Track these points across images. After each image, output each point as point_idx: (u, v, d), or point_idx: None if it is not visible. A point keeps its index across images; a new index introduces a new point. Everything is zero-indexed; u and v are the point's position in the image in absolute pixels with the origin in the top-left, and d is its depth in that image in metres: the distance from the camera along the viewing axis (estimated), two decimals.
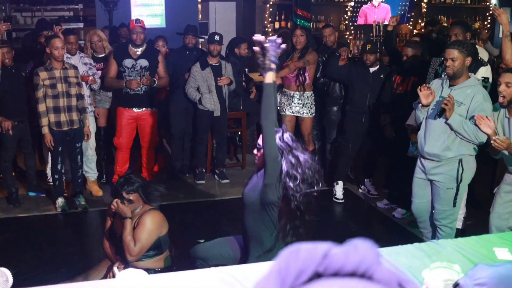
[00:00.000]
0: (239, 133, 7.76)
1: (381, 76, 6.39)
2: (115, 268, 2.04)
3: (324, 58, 6.85)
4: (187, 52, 7.12)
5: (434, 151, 4.55)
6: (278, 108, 6.78)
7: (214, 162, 7.41)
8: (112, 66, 6.33)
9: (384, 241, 5.60)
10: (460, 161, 4.51)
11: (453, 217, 4.71)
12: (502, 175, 4.75)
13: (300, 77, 6.57)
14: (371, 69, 6.37)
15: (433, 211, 4.78)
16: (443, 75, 5.22)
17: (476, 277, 1.47)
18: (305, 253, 0.76)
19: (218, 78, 6.76)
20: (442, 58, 5.58)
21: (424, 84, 4.68)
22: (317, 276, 0.75)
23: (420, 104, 4.59)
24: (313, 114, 6.79)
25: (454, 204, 4.63)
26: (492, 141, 4.11)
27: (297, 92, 6.64)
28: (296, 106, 6.68)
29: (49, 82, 5.75)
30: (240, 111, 7.49)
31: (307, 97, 6.69)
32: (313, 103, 6.75)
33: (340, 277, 0.75)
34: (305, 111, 6.69)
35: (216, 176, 7.27)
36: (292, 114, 6.72)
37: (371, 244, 0.80)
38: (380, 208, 6.44)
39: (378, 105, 6.37)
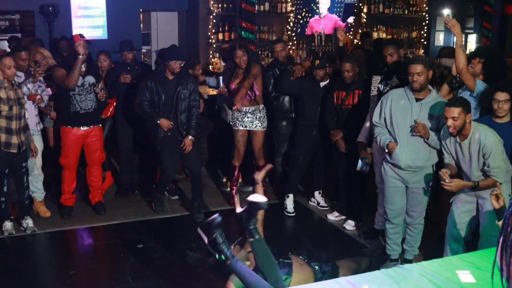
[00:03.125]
0: None
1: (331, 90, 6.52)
2: None
3: (273, 72, 6.92)
4: (129, 68, 7.01)
5: (418, 163, 4.90)
6: (231, 123, 6.79)
7: None
8: (61, 71, 6.12)
9: (337, 253, 5.71)
10: (433, 165, 4.95)
11: (423, 215, 5.16)
12: None
13: (250, 93, 6.60)
14: (321, 84, 6.48)
15: (408, 214, 5.17)
16: (384, 91, 5.47)
17: None
18: None
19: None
20: (382, 76, 5.79)
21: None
22: None
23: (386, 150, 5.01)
24: (265, 128, 6.83)
25: (427, 204, 5.14)
26: (442, 185, 4.38)
27: (250, 107, 6.67)
28: (249, 120, 6.70)
29: (7, 103, 5.57)
30: None
31: (259, 111, 6.73)
32: (265, 116, 6.80)
33: None
34: (258, 125, 6.73)
35: (166, 192, 7.20)
36: (245, 129, 6.74)
37: None
38: (330, 221, 6.54)
39: (324, 120, 6.45)
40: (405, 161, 4.90)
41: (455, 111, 4.26)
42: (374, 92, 5.88)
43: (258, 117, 6.72)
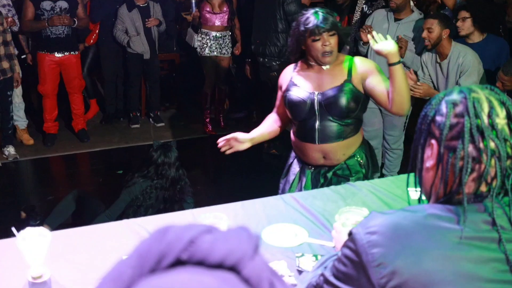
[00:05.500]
0: (173, 75, 7.64)
1: None
2: (13, 228, 1.99)
3: None
4: None
5: None
6: (197, 48, 6.62)
7: (149, 105, 7.31)
8: (28, 9, 5.97)
9: None
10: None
11: (402, 139, 5.07)
12: None
13: (224, 16, 6.46)
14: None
15: (385, 138, 5.09)
16: (369, 12, 5.29)
17: (368, 225, 1.47)
18: (171, 236, 0.72)
19: (146, 20, 6.56)
20: None
21: (365, 25, 4.83)
22: (180, 262, 0.71)
23: (362, 42, 4.83)
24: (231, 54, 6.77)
25: (404, 128, 5.00)
26: (411, 89, 4.29)
27: (222, 32, 6.53)
28: (219, 45, 6.56)
29: None
30: (173, 53, 7.35)
31: (228, 36, 6.60)
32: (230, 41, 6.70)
33: (204, 266, 0.71)
34: (227, 50, 6.61)
35: (151, 119, 7.17)
36: (215, 55, 6.59)
37: (250, 234, 0.75)
38: None
39: None
40: None
41: (431, 22, 4.24)
42: (357, 13, 5.69)
43: (227, 43, 6.58)
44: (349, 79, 3.00)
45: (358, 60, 3.08)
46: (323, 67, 3.01)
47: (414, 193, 2.87)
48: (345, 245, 1.51)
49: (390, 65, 2.85)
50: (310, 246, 2.32)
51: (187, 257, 0.71)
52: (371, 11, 5.45)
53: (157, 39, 6.79)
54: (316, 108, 3.00)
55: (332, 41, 2.92)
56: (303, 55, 3.09)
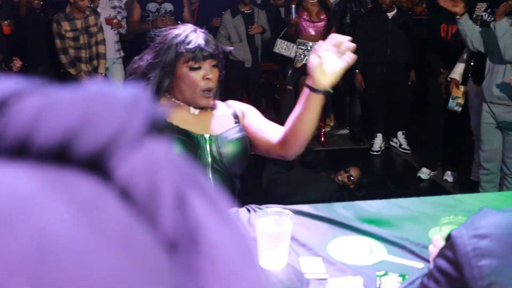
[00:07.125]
0: (277, 86, 7.38)
1: (401, 21, 5.89)
2: None
3: (351, 5, 6.38)
4: None
5: (506, 93, 4.20)
6: (295, 61, 6.32)
7: None
8: (135, 10, 6.01)
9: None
10: None
11: None
12: None
13: (331, 29, 6.16)
14: (389, 14, 5.87)
15: (504, 161, 4.44)
16: (490, 20, 4.73)
17: (476, 225, 1.03)
18: None
19: (250, 27, 6.34)
20: (488, 3, 5.04)
21: None
22: None
23: (457, 16, 4.36)
24: None
25: None
26: None
27: (316, 42, 6.21)
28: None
29: (72, 34, 5.45)
30: (277, 62, 7.07)
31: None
32: None
33: (25, 159, 0.31)
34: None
35: None
36: None
37: (133, 93, 0.35)
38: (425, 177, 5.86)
39: (426, 60, 5.75)
40: (492, 90, 4.26)
41: None
42: (476, 21, 5.13)
43: None
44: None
45: None
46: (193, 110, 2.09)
47: None
48: (440, 254, 1.07)
49: (313, 90, 1.93)
50: (391, 265, 1.82)
51: None
52: (492, 19, 4.88)
53: (261, 47, 6.55)
54: None
55: (215, 75, 2.04)
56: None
